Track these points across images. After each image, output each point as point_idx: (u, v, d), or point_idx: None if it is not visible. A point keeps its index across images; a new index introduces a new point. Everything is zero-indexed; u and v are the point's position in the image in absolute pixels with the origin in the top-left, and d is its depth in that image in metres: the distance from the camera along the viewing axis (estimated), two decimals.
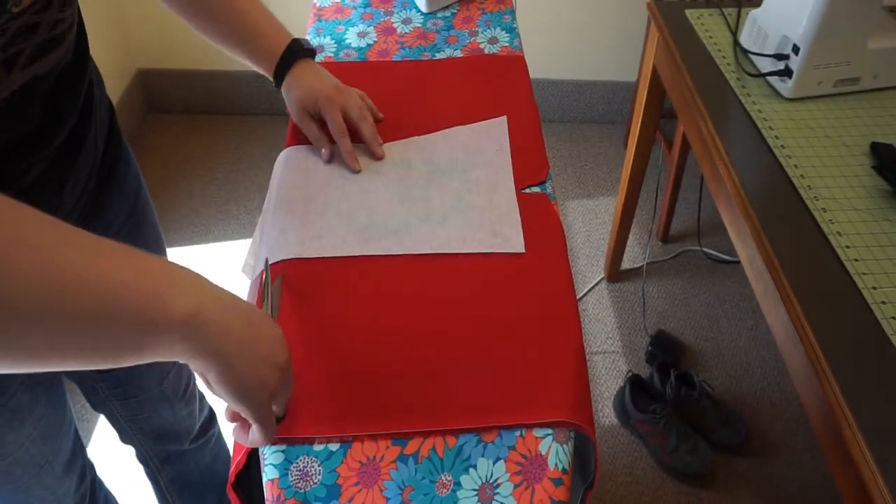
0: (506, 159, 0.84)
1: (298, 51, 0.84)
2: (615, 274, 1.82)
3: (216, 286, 0.48)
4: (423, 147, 0.87)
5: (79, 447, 0.91)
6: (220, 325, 0.45)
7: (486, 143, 0.87)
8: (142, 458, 1.09)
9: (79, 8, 0.66)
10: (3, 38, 0.53)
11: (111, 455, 1.43)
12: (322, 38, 1.05)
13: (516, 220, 0.77)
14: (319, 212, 0.78)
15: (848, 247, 0.88)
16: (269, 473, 0.57)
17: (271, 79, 0.86)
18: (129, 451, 1.09)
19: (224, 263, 1.87)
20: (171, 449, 1.08)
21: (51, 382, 0.81)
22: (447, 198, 0.79)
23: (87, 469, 0.96)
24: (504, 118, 0.90)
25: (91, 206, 0.75)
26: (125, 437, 1.04)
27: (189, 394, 1.05)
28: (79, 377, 0.92)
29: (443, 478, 0.57)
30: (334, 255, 0.73)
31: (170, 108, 2.29)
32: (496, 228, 0.76)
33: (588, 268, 1.87)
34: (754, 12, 1.17)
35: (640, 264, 1.86)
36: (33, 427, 0.77)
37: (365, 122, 0.84)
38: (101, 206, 0.78)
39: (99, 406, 0.98)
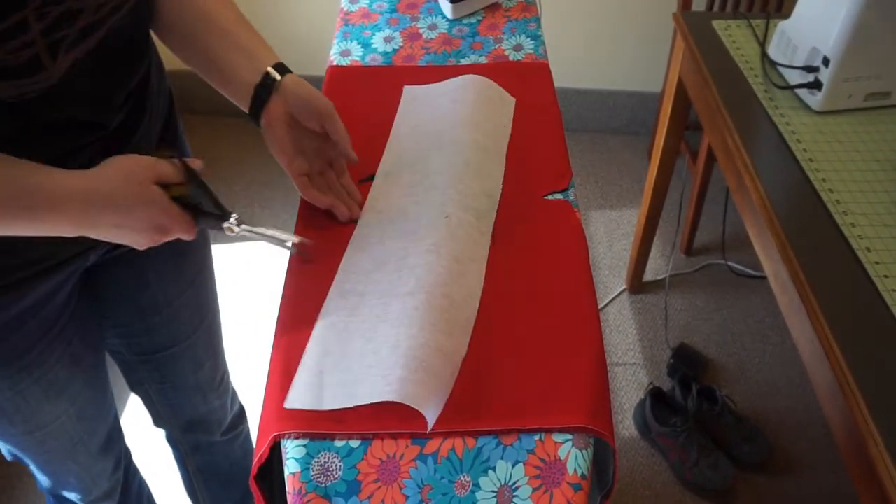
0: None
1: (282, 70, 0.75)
2: (637, 285, 1.81)
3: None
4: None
5: (117, 434, 0.94)
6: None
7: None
8: (172, 441, 1.11)
9: None
10: (43, 23, 0.53)
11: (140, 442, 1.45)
12: (349, 42, 1.07)
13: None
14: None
15: (877, 263, 0.87)
16: (290, 467, 0.58)
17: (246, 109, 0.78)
18: (159, 439, 1.11)
19: (248, 264, 1.89)
20: (201, 439, 1.10)
21: (92, 365, 0.83)
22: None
23: (124, 455, 0.99)
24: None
25: None
26: (158, 421, 1.06)
27: (223, 387, 1.07)
28: (120, 357, 0.95)
29: (462, 478, 0.58)
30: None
31: (198, 109, 2.32)
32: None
33: (610, 279, 1.86)
34: (783, 24, 1.16)
35: (663, 276, 1.84)
36: (69, 403, 0.80)
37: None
38: None
39: (136, 386, 1.00)
